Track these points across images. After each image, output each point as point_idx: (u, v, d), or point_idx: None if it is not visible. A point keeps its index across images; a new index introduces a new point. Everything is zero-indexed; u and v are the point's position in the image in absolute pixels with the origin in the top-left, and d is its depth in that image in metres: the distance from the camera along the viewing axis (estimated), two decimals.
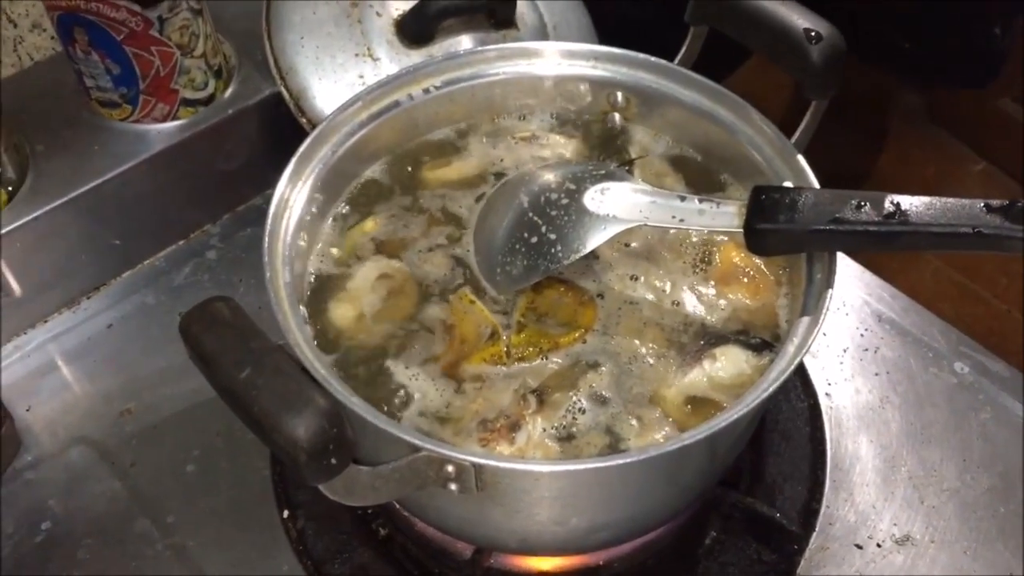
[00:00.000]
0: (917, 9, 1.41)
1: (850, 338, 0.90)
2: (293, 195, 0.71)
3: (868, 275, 0.94)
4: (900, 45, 1.45)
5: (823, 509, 0.79)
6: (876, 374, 0.87)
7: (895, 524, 0.79)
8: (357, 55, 0.93)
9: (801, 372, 0.86)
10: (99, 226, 0.91)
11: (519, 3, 0.96)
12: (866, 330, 0.90)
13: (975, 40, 1.45)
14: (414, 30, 0.93)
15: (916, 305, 0.92)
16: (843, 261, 0.94)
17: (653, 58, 0.78)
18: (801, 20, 0.71)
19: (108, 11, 0.83)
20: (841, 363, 0.88)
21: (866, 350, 0.89)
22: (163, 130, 0.92)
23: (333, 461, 0.54)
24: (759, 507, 0.76)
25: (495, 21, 0.96)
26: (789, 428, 0.83)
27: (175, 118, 0.92)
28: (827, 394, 0.86)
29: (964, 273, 2.08)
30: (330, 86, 0.91)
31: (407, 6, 0.94)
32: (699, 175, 0.79)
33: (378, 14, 0.94)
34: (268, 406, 0.53)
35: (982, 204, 0.61)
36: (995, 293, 2.05)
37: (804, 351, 0.62)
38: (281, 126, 0.92)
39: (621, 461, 0.58)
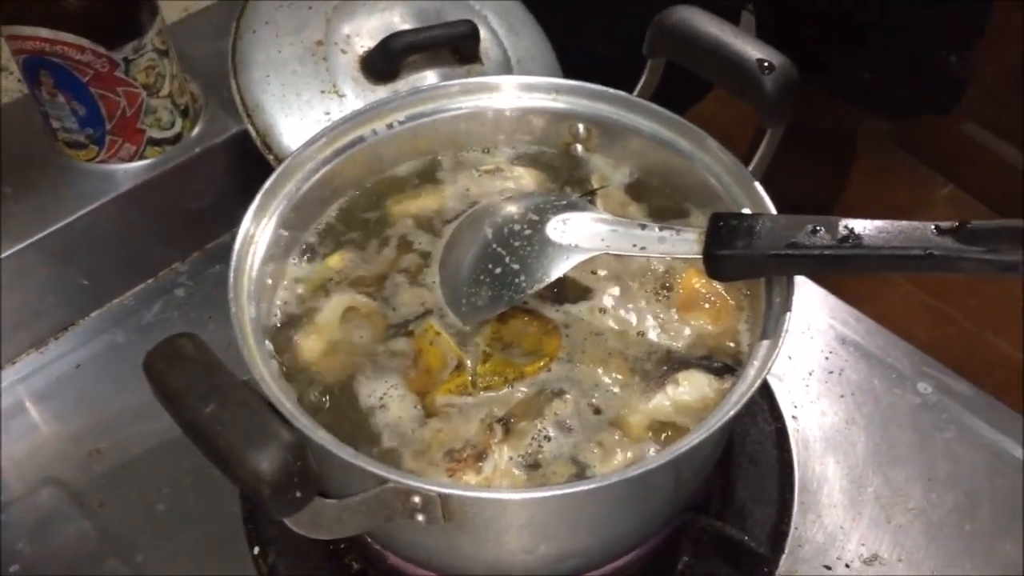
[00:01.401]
0: (877, 41, 1.44)
1: (815, 361, 0.91)
2: (258, 231, 0.72)
3: (832, 299, 0.95)
4: (862, 76, 1.48)
5: (792, 531, 0.80)
6: (841, 396, 0.89)
7: (863, 544, 0.80)
8: (323, 92, 0.94)
9: (768, 395, 0.87)
10: (67, 266, 0.91)
11: (483, 38, 0.97)
12: (831, 353, 0.91)
13: (934, 69, 1.48)
14: (379, 67, 0.94)
15: (880, 327, 0.93)
16: (807, 285, 0.95)
17: (612, 90, 0.79)
18: (754, 51, 0.73)
19: (73, 53, 0.83)
20: (807, 386, 0.89)
21: (831, 372, 0.90)
22: (130, 170, 0.92)
23: (298, 494, 0.54)
24: (728, 531, 0.76)
25: (459, 56, 0.97)
26: (757, 451, 0.84)
27: (142, 157, 0.93)
28: (794, 417, 0.87)
29: (934, 296, 2.12)
30: (296, 123, 0.92)
31: (372, 43, 0.95)
32: (661, 203, 0.80)
33: (343, 51, 0.95)
34: (232, 441, 0.53)
35: (933, 227, 0.63)
36: (965, 314, 2.08)
37: (764, 373, 0.63)
38: (248, 164, 0.93)
39: (585, 488, 0.59)
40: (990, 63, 1.98)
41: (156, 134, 0.92)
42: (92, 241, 0.91)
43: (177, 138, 0.94)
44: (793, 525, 0.80)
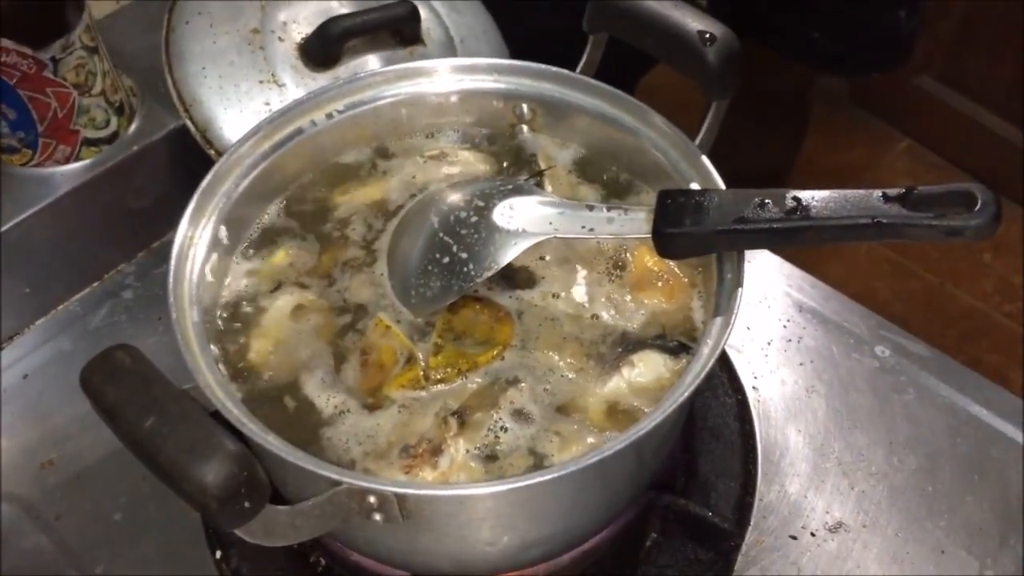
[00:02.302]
0: (826, 1, 1.43)
1: (773, 330, 0.91)
2: (197, 232, 0.70)
3: (788, 266, 0.95)
4: (811, 36, 1.47)
5: (756, 503, 0.80)
6: (801, 364, 0.88)
7: (827, 512, 0.80)
8: (262, 82, 0.91)
9: (727, 367, 0.87)
10: (8, 276, 0.88)
11: (424, 19, 0.95)
12: (788, 321, 0.91)
13: (883, 26, 1.47)
14: (318, 53, 0.92)
15: (836, 293, 0.93)
16: (764, 255, 0.95)
17: (554, 68, 0.78)
18: (695, 23, 0.71)
19: None
20: (766, 356, 0.89)
21: (789, 340, 0.90)
22: (67, 172, 0.90)
23: (247, 504, 0.53)
24: (692, 508, 0.76)
25: (400, 39, 0.95)
26: (719, 425, 0.84)
27: (78, 159, 0.90)
28: (754, 387, 0.87)
29: (896, 251, 2.13)
30: (236, 115, 0.90)
31: (310, 30, 0.93)
32: (611, 182, 0.79)
33: (280, 39, 0.93)
34: (174, 454, 0.52)
35: (879, 194, 0.62)
36: (927, 267, 2.09)
37: (718, 351, 0.62)
38: (190, 159, 0.90)
39: (542, 479, 0.58)
40: (941, 17, 1.99)
41: (91, 134, 0.90)
42: (32, 248, 0.89)
43: (113, 137, 0.92)
44: (758, 496, 0.80)
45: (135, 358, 0.56)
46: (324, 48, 0.92)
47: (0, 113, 0.85)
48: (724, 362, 0.87)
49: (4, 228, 0.86)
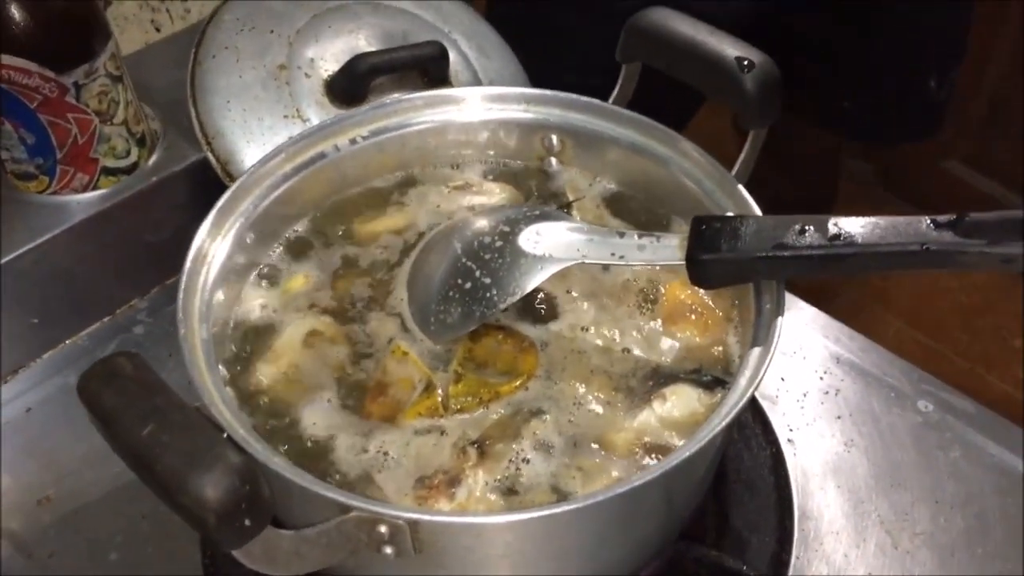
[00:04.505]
0: (854, 67, 1.42)
1: (809, 382, 0.86)
2: (212, 248, 0.67)
3: (823, 317, 0.91)
4: (840, 104, 1.46)
5: (793, 561, 0.75)
6: (839, 417, 0.84)
7: (869, 572, 0.74)
8: (286, 117, 0.90)
9: (761, 419, 0.82)
10: (16, 305, 0.86)
11: (452, 61, 0.94)
12: (825, 372, 0.87)
13: (913, 94, 1.46)
14: (344, 90, 0.91)
15: (874, 345, 0.89)
16: (797, 304, 0.91)
17: (584, 98, 0.76)
18: (732, 49, 0.69)
19: (20, 78, 0.79)
20: (802, 408, 0.85)
21: (826, 393, 0.85)
22: (83, 201, 0.88)
23: (247, 522, 0.49)
24: (726, 561, 0.71)
25: (428, 79, 0.94)
26: (752, 477, 0.79)
27: (96, 188, 0.88)
28: (790, 440, 0.82)
29: (926, 333, 2.08)
30: (258, 150, 0.88)
31: (336, 67, 0.92)
32: (641, 215, 0.76)
33: (307, 75, 0.92)
34: (172, 464, 0.48)
35: (929, 220, 0.59)
36: (957, 351, 2.04)
37: (757, 382, 0.58)
38: (210, 193, 0.87)
39: (568, 507, 0.54)
40: (970, 98, 1.98)
41: (110, 163, 0.88)
42: (43, 277, 0.86)
43: (133, 167, 0.90)
44: (794, 555, 0.75)
45: (137, 365, 0.53)
46: (351, 85, 0.91)
47: (19, 137, 0.83)
48: (757, 413, 0.83)
49: (16, 254, 0.84)
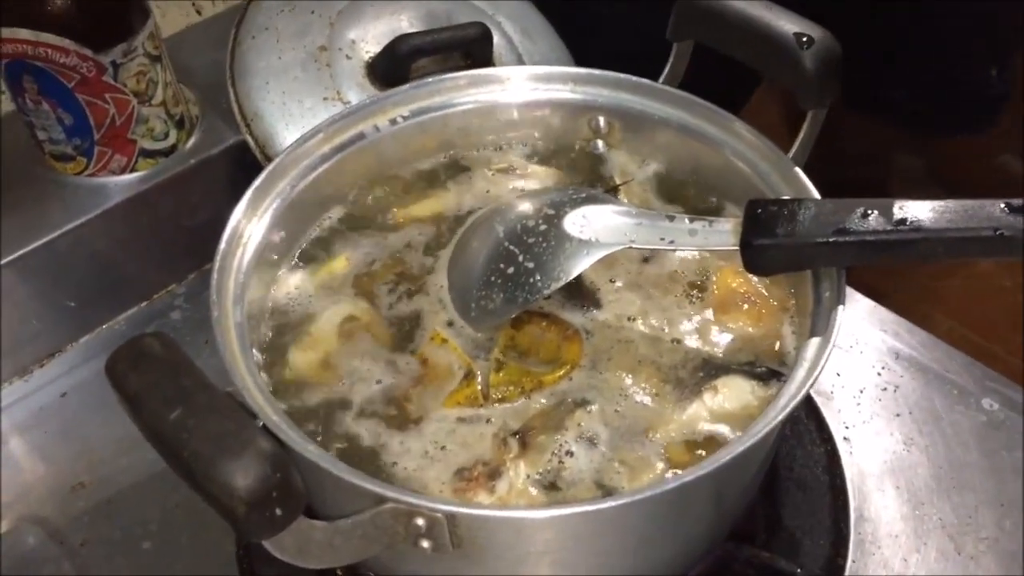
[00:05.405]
0: (910, 56, 1.37)
1: (867, 378, 0.83)
2: (248, 229, 0.65)
3: (882, 310, 0.87)
4: (894, 95, 1.41)
5: (848, 565, 0.71)
6: (898, 415, 0.80)
7: None
8: (326, 99, 0.88)
9: (816, 415, 0.79)
10: (53, 287, 0.85)
11: (496, 43, 0.91)
12: (883, 368, 0.83)
13: (972, 84, 1.40)
14: (386, 71, 0.89)
15: (936, 340, 0.85)
16: (853, 296, 0.87)
17: (634, 78, 0.73)
18: (790, 25, 0.66)
19: (57, 56, 0.78)
20: (858, 404, 0.81)
21: (884, 389, 0.82)
22: (120, 183, 0.86)
23: (278, 512, 0.47)
24: (779, 564, 0.68)
25: (471, 61, 0.91)
26: (806, 476, 0.76)
27: (133, 170, 0.87)
28: (845, 438, 0.78)
29: (979, 332, 2.02)
30: (298, 132, 0.85)
31: (378, 49, 0.89)
32: (691, 200, 0.73)
33: (348, 57, 0.90)
34: (200, 449, 0.46)
35: (1003, 204, 0.55)
36: (1009, 350, 1.98)
37: (817, 374, 0.55)
38: (248, 177, 0.86)
39: (615, 503, 0.51)
40: None
41: (148, 145, 0.87)
42: (80, 260, 0.85)
43: (171, 149, 0.89)
44: (850, 558, 0.71)
45: (167, 345, 0.51)
46: (392, 67, 0.88)
47: (56, 117, 0.82)
48: (811, 409, 0.79)
49: (52, 236, 0.83)
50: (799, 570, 0.67)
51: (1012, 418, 0.79)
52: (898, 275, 1.64)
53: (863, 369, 0.83)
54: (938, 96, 1.41)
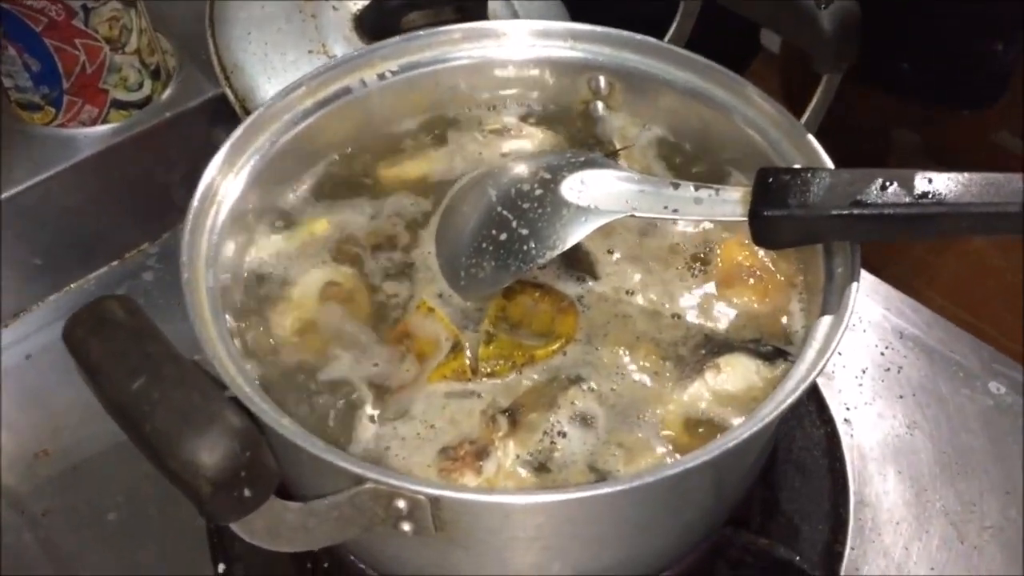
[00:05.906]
0: (916, 28, 1.33)
1: (869, 357, 0.79)
2: (224, 187, 0.61)
3: (885, 287, 0.84)
4: (899, 66, 1.38)
5: (847, 552, 0.68)
6: (900, 397, 0.77)
7: (932, 568, 0.68)
8: (311, 52, 0.83)
9: (816, 396, 0.76)
10: (17, 244, 0.81)
11: (491, 2, 0.87)
12: (887, 348, 0.80)
13: (977, 58, 1.37)
14: (374, 25, 0.84)
15: (941, 319, 0.81)
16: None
17: (638, 36, 0.69)
18: None
19: None
20: (860, 385, 0.78)
21: (887, 370, 0.78)
22: (91, 135, 0.82)
23: (247, 493, 0.43)
24: (775, 550, 0.65)
25: (464, 18, 0.87)
26: (804, 459, 0.73)
27: (105, 122, 0.83)
28: (846, 420, 0.75)
29: (971, 311, 2.00)
30: (280, 86, 0.80)
31: (366, 1, 0.85)
32: (696, 167, 0.69)
33: (334, 8, 0.85)
34: (164, 424, 0.42)
35: None
36: (1001, 331, 1.96)
37: (829, 355, 0.52)
38: (228, 131, 0.82)
39: (608, 490, 0.48)
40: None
41: (121, 96, 0.82)
42: (47, 216, 0.81)
43: (146, 101, 0.84)
44: (849, 545, 0.69)
45: (130, 311, 0.47)
46: (381, 20, 0.84)
47: (23, 63, 0.77)
48: (811, 389, 0.76)
49: (18, 190, 0.79)
50: (797, 558, 0.64)
51: (1019, 402, 0.76)
52: (893, 248, 1.61)
53: (865, 348, 0.80)
54: (944, 70, 1.38)
